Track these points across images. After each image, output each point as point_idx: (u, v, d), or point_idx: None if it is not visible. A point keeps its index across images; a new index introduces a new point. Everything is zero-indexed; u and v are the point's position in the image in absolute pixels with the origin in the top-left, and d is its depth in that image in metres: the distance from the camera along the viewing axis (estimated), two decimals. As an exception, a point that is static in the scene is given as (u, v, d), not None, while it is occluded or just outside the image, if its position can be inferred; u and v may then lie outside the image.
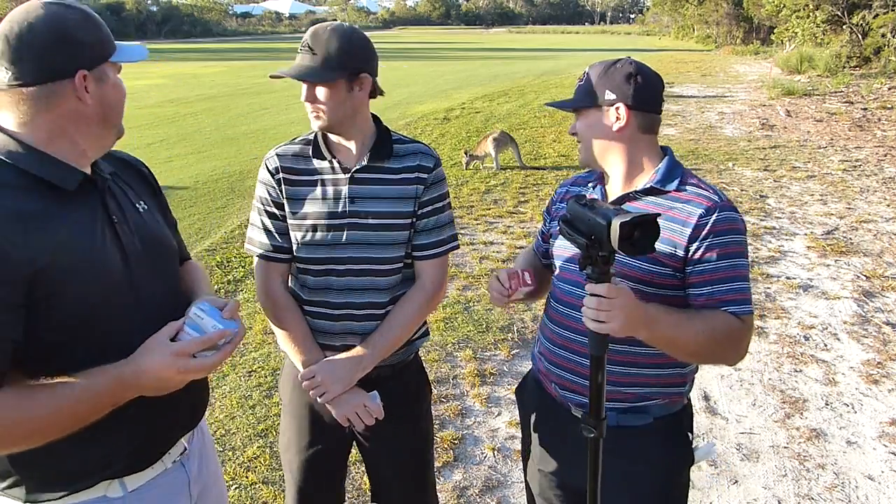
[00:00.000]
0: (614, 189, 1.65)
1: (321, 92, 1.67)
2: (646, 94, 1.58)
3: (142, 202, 1.44)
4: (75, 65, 1.20)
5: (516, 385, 2.02)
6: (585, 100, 1.60)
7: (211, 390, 1.60)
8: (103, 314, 1.26)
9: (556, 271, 1.73)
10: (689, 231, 1.50)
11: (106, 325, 1.27)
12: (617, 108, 1.56)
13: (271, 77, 1.80)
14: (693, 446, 1.70)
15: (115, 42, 1.30)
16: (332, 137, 1.78)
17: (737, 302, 1.49)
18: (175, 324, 1.28)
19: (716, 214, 1.50)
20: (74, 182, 1.25)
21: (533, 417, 1.83)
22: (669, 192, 1.56)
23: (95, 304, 1.25)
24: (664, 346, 1.47)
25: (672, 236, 1.51)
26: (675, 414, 1.66)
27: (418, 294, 1.84)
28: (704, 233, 1.49)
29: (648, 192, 1.58)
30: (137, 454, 1.36)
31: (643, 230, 1.26)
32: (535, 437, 1.81)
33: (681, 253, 1.51)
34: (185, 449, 1.49)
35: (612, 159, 1.62)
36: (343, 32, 1.68)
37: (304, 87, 1.69)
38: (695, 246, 1.50)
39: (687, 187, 1.56)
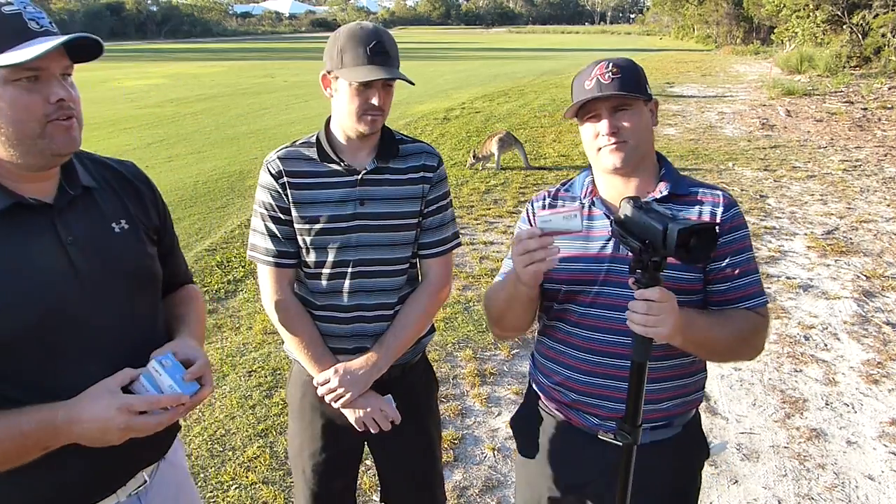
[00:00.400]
0: (625, 195, 1.52)
1: (387, 96, 1.69)
2: None
3: (122, 222, 1.33)
4: None
5: (514, 413, 1.91)
6: (639, 92, 1.49)
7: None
8: (24, 346, 1.16)
9: (580, 297, 1.57)
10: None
11: (28, 357, 1.17)
12: (653, 105, 1.55)
13: (364, 85, 1.64)
14: (709, 443, 1.74)
15: (18, 45, 1.11)
16: (341, 139, 1.76)
17: (755, 295, 1.52)
18: (130, 372, 1.18)
19: (731, 211, 1.53)
20: None
21: (541, 445, 1.73)
22: (685, 196, 1.55)
23: (14, 334, 1.14)
24: (696, 348, 1.48)
25: None
26: (693, 417, 1.68)
27: (425, 292, 1.85)
28: (727, 228, 1.51)
29: (667, 198, 1.54)
30: (88, 487, 1.29)
31: (700, 238, 1.24)
32: (546, 465, 1.71)
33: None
34: (145, 481, 1.40)
35: (646, 161, 1.56)
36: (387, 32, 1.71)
37: (377, 92, 1.64)
38: (721, 242, 1.50)
39: (696, 188, 1.57)
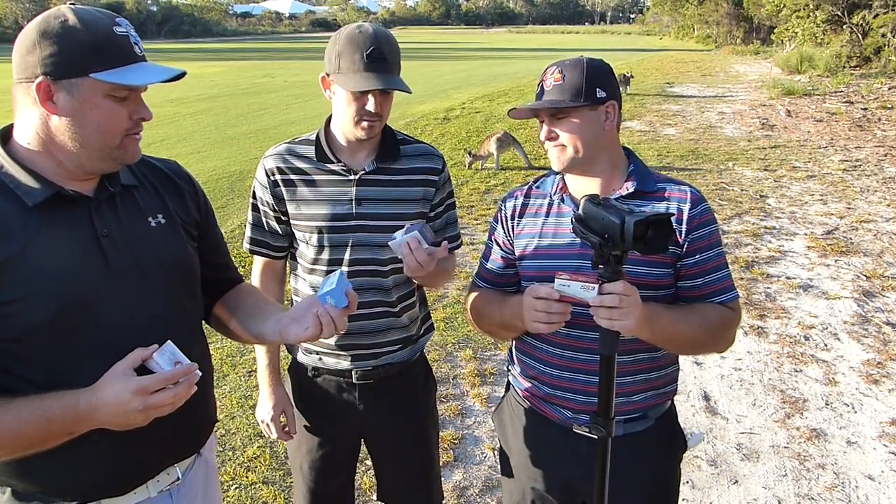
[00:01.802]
0: (591, 192, 1.55)
1: (385, 102, 1.67)
2: (619, 91, 1.61)
3: (158, 216, 1.37)
4: (36, 70, 1.17)
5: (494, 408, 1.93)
6: (576, 99, 1.52)
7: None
8: (51, 334, 1.20)
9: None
10: (683, 228, 1.54)
11: (55, 345, 1.21)
12: (608, 106, 1.55)
13: (362, 93, 1.63)
14: (686, 434, 1.76)
15: (124, 66, 1.20)
16: (341, 140, 1.75)
17: (726, 290, 1.56)
18: (141, 352, 1.20)
19: (699, 207, 1.55)
20: (37, 198, 1.20)
21: (521, 439, 1.75)
22: (652, 192, 1.57)
23: (42, 322, 1.18)
24: (664, 342, 1.51)
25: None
26: (668, 409, 1.71)
27: None
28: (695, 224, 1.54)
29: (633, 195, 1.56)
30: (115, 478, 1.31)
31: (657, 229, 1.27)
32: (525, 457, 1.74)
33: (679, 251, 1.54)
34: (178, 478, 1.42)
35: (599, 161, 1.58)
36: (392, 35, 1.68)
37: (373, 99, 1.63)
38: (689, 239, 1.54)
39: (664, 185, 1.59)
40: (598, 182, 1.59)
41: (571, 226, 1.44)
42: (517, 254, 1.67)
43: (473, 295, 1.75)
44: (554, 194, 1.65)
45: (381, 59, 1.60)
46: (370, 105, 1.63)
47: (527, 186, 1.73)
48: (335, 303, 1.34)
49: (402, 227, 1.73)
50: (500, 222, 1.72)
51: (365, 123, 1.66)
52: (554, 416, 1.66)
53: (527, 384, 1.70)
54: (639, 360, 1.58)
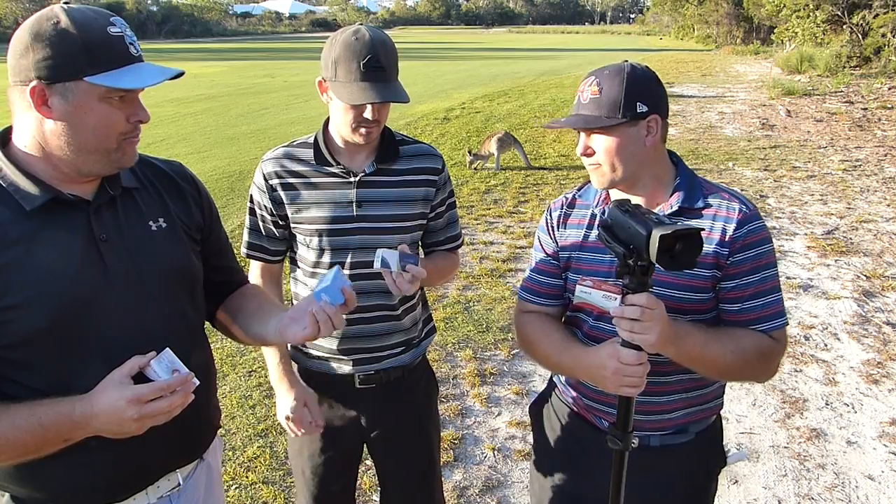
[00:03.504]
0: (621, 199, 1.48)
1: (384, 108, 1.65)
2: (667, 100, 1.49)
3: (160, 220, 1.35)
4: (30, 74, 1.15)
5: (531, 401, 1.88)
6: (613, 114, 1.41)
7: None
8: (49, 339, 1.19)
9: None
10: (726, 250, 1.43)
11: (53, 351, 1.20)
12: (651, 121, 1.43)
13: (354, 104, 1.61)
14: (727, 451, 1.71)
15: (119, 68, 1.18)
16: (338, 142, 1.74)
17: (769, 318, 1.45)
18: (138, 360, 1.18)
19: (746, 227, 1.43)
20: (35, 202, 1.19)
21: (562, 439, 1.71)
22: (699, 209, 1.47)
23: (39, 328, 1.17)
24: (691, 363, 1.42)
25: (708, 258, 1.43)
26: (712, 424, 1.65)
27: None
28: (738, 247, 1.43)
29: (677, 213, 1.47)
30: (114, 484, 1.30)
31: (686, 244, 1.19)
32: (561, 456, 1.71)
33: (719, 274, 1.45)
34: (179, 484, 1.40)
35: (643, 178, 1.49)
36: (389, 39, 1.64)
37: (371, 108, 1.60)
38: (729, 262, 1.43)
39: (712, 200, 1.48)
40: (641, 199, 1.50)
41: (597, 232, 1.38)
42: (569, 265, 1.59)
43: (527, 322, 1.64)
44: (596, 206, 1.57)
45: (377, 67, 1.57)
46: (368, 113, 1.61)
47: (571, 195, 1.65)
48: (330, 300, 1.32)
49: (404, 227, 1.73)
50: (547, 232, 1.65)
51: (363, 130, 1.65)
52: (595, 423, 1.63)
53: (572, 391, 1.66)
54: (677, 381, 1.51)
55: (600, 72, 1.46)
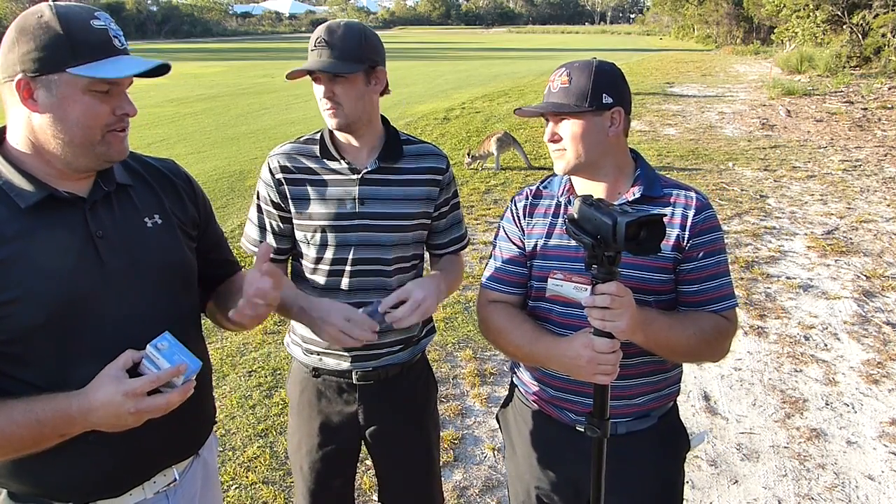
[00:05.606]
0: (597, 195, 1.54)
1: (340, 87, 1.64)
2: (630, 97, 1.60)
3: (155, 216, 1.36)
4: (16, 68, 1.17)
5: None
6: (581, 103, 1.52)
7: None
8: (46, 335, 1.20)
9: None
10: (686, 233, 1.54)
11: (50, 346, 1.20)
12: (615, 113, 1.54)
13: (289, 77, 1.70)
14: (689, 434, 1.76)
15: (101, 59, 1.18)
16: (342, 138, 1.75)
17: (723, 298, 1.56)
18: (132, 353, 1.19)
19: (703, 213, 1.55)
20: (30, 200, 1.20)
21: (527, 440, 1.75)
22: (658, 197, 1.57)
23: (36, 323, 1.18)
24: (658, 348, 1.50)
25: (671, 242, 1.53)
26: (671, 409, 1.71)
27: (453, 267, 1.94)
28: (697, 231, 1.54)
29: (639, 201, 1.56)
30: (111, 479, 1.30)
31: (650, 230, 1.27)
32: (531, 457, 1.74)
33: (679, 256, 1.54)
34: (175, 480, 1.41)
35: (603, 166, 1.57)
36: (357, 26, 1.68)
37: (321, 84, 1.65)
38: (689, 245, 1.54)
39: (671, 190, 1.59)
40: (603, 186, 1.59)
41: (565, 227, 1.44)
42: (534, 252, 1.65)
43: (494, 311, 1.67)
44: (561, 195, 1.64)
45: (324, 45, 1.62)
46: (316, 91, 1.65)
47: (535, 186, 1.72)
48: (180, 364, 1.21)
49: (406, 226, 1.75)
50: (512, 221, 1.70)
51: (327, 112, 1.68)
52: (559, 418, 1.66)
53: (534, 387, 1.70)
54: (641, 364, 1.58)
55: (570, 64, 1.57)
